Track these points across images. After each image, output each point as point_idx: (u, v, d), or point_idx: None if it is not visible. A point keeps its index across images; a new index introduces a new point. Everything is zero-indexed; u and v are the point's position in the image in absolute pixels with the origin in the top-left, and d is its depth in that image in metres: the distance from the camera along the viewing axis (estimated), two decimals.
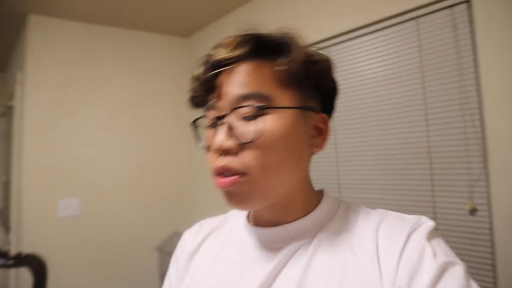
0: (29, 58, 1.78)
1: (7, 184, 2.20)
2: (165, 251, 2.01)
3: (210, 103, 0.43)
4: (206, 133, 0.44)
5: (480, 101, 1.07)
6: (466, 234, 1.09)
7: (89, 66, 1.96)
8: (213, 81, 0.43)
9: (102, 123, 1.98)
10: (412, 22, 1.24)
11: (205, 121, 0.44)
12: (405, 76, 1.25)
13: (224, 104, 0.41)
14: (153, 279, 2.06)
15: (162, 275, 2.04)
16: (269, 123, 0.39)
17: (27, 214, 1.72)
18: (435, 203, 1.17)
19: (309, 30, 1.54)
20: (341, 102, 1.45)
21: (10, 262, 0.94)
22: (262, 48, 0.42)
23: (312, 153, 0.45)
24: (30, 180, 1.74)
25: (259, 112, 0.39)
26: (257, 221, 0.47)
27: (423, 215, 0.42)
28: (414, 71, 1.23)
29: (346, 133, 1.44)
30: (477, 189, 1.08)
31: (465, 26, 1.11)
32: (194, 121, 0.44)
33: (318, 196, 0.48)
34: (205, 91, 0.43)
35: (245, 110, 0.39)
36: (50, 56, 1.83)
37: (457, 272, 0.34)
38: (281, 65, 0.41)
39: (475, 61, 1.08)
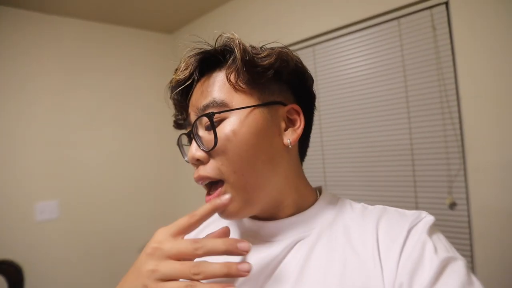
0: None
1: None
2: None
3: (186, 121, 0.47)
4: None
5: (458, 99, 1.11)
6: (447, 228, 1.13)
7: (68, 63, 1.87)
8: (184, 102, 0.47)
9: (81, 121, 1.90)
10: (394, 22, 1.26)
11: (185, 138, 0.47)
12: (388, 75, 1.28)
13: (192, 118, 0.44)
14: None
15: None
16: (227, 127, 0.40)
17: (0, 219, 1.63)
18: (417, 198, 1.21)
19: (294, 28, 1.55)
20: (326, 100, 1.46)
21: None
22: (212, 59, 0.44)
23: (288, 147, 0.43)
24: (2, 183, 1.65)
25: (219, 118, 0.41)
26: (254, 215, 0.48)
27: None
28: (396, 70, 1.26)
29: (331, 131, 1.46)
30: (456, 184, 1.12)
31: (444, 26, 1.14)
32: (178, 140, 0.48)
33: (314, 193, 0.48)
34: (180, 112, 0.48)
35: (204, 120, 0.41)
36: (25, 51, 1.74)
37: (458, 267, 0.35)
38: (229, 68, 0.42)
39: (454, 60, 1.12)
